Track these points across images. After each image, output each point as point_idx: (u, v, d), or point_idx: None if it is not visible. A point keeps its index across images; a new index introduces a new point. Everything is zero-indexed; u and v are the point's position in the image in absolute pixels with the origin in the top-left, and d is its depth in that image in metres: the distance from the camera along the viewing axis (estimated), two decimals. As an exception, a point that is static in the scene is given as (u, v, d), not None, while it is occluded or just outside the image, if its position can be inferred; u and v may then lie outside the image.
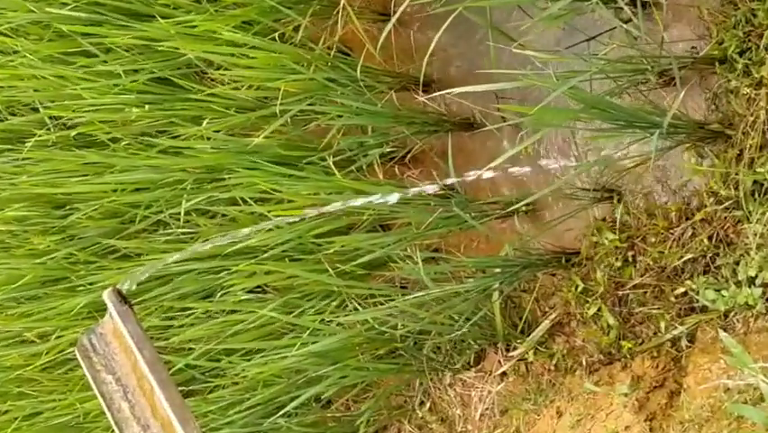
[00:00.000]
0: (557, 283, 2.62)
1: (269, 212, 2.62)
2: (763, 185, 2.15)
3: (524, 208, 2.67)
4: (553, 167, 2.60)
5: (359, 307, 2.67)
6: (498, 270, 2.53)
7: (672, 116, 1.96)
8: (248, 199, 2.71)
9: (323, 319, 2.63)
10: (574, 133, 2.49)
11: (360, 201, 2.30)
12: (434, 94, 2.69)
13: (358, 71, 2.59)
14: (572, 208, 2.51)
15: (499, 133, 2.63)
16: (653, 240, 2.38)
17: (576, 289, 2.53)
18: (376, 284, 2.77)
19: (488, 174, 2.26)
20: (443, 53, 2.79)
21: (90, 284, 3.03)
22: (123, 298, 1.82)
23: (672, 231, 2.34)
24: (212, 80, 2.94)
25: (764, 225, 2.13)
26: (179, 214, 2.83)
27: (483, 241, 2.80)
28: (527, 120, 2.03)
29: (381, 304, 2.62)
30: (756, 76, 2.10)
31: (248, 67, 2.67)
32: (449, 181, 2.36)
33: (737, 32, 2.14)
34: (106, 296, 1.80)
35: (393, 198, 2.27)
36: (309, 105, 2.68)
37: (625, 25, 2.15)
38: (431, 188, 2.37)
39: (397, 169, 2.90)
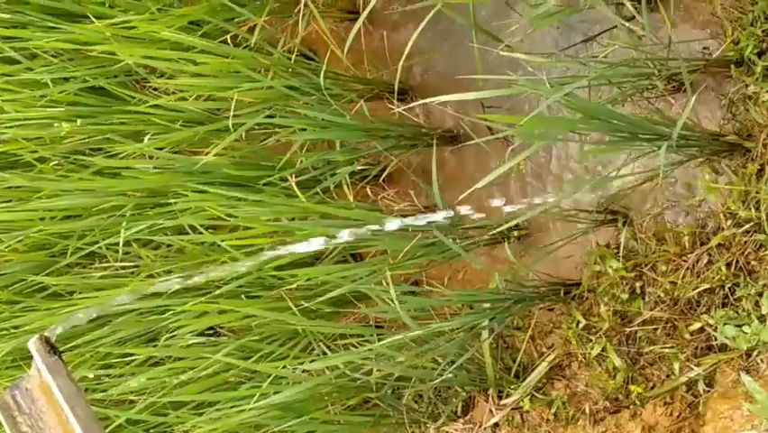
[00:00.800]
0: (555, 319, 2.62)
1: (222, 241, 2.59)
2: (788, 204, 2.15)
3: (515, 233, 2.68)
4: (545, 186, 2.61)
5: (327, 350, 2.64)
6: (487, 305, 2.51)
7: (682, 127, 1.93)
8: (198, 227, 2.67)
9: (286, 366, 2.57)
10: (571, 148, 2.49)
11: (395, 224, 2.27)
12: (412, 104, 2.70)
13: (322, 78, 2.58)
14: (571, 233, 2.50)
15: (488, 148, 2.63)
16: (663, 268, 2.37)
17: (577, 325, 2.53)
18: (347, 323, 2.75)
19: (497, 203, 2.26)
20: (420, 56, 2.80)
21: (15, 328, 2.97)
22: (51, 347, 1.76)
23: (685, 258, 2.34)
24: (154, 90, 2.92)
25: (791, 251, 2.13)
26: (117, 245, 2.79)
27: (470, 271, 2.80)
28: (517, 132, 2.00)
29: (353, 346, 2.59)
30: (778, 80, 2.09)
31: (196, 74, 2.65)
32: (454, 212, 2.33)
33: (755, 30, 2.13)
34: (32, 345, 1.74)
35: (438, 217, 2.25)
36: (267, 117, 2.66)
37: (627, 24, 2.14)
38: (439, 216, 2.35)
39: (369, 189, 2.89)
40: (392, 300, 2.41)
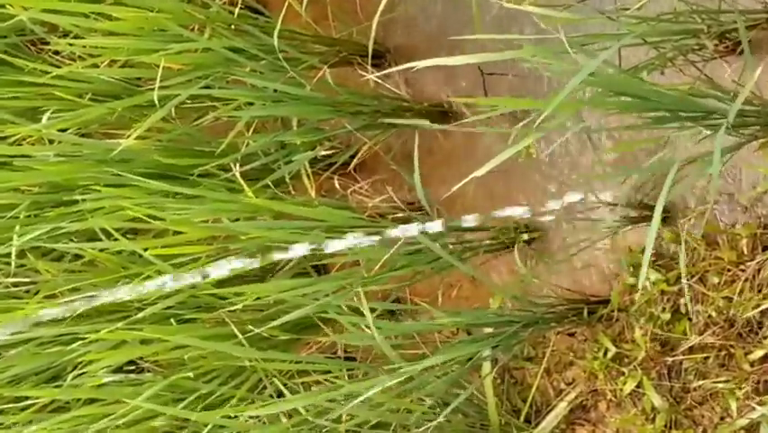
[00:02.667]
0: (577, 347, 2.62)
1: (144, 250, 2.57)
2: None
3: (525, 237, 2.68)
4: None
5: (283, 390, 2.60)
6: (489, 329, 2.50)
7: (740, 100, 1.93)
8: (113, 232, 2.65)
9: (229, 412, 2.55)
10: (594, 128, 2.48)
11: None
12: (390, 69, 2.69)
13: (276, 38, 2.57)
14: (596, 235, 2.50)
15: (487, 127, 2.62)
16: (715, 280, 2.37)
17: (605, 354, 2.53)
18: (308, 355, 2.76)
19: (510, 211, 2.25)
20: (401, 9, 2.81)
21: None
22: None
23: (743, 266, 2.34)
24: (55, 54, 2.93)
25: None
26: (9, 255, 2.78)
27: (467, 286, 2.80)
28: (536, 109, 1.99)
29: (317, 384, 2.57)
30: None
31: (110, 33, 2.64)
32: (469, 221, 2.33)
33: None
34: None
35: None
36: (203, 88, 2.65)
37: (667, -35, 2.15)
38: (435, 226, 2.35)
39: (336, 181, 2.90)
40: (367, 325, 2.40)
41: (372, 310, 2.42)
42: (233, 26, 2.68)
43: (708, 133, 1.96)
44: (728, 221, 2.40)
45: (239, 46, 2.63)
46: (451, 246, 2.55)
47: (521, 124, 2.31)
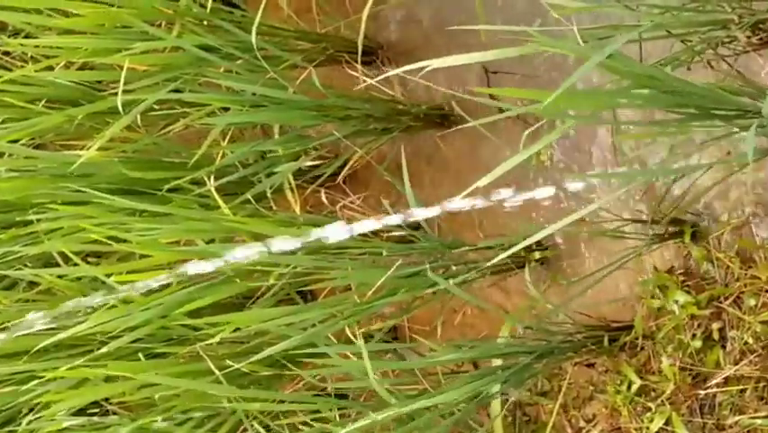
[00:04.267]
0: (597, 380, 2.62)
1: (108, 276, 2.54)
2: None
3: (537, 256, 2.68)
4: (580, 186, 2.60)
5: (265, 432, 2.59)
6: (498, 361, 2.48)
7: (772, 96, 1.93)
8: (72, 256, 2.62)
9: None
10: (616, 131, 2.48)
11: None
12: (384, 70, 2.70)
13: (254, 33, 2.56)
14: (617, 254, 2.49)
15: (493, 133, 2.62)
16: (752, 303, 2.37)
17: (629, 388, 2.53)
18: (293, 393, 2.74)
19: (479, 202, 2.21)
20: (393, 1, 2.82)
21: None
22: None
23: (783, 287, 2.33)
24: (5, 56, 2.93)
25: None
26: None
27: (472, 313, 2.80)
28: (540, 111, 1.97)
29: (304, 426, 2.56)
30: None
31: (67, 31, 2.62)
32: (415, 215, 2.30)
33: None
34: None
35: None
36: (173, 92, 2.65)
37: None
38: (394, 220, 2.32)
39: (324, 194, 2.89)
40: (361, 358, 2.38)
41: (366, 341, 2.40)
42: (205, 22, 2.67)
43: (741, 133, 1.95)
44: (766, 235, 2.40)
45: (212, 44, 2.62)
46: (454, 268, 2.54)
47: (532, 128, 2.31)
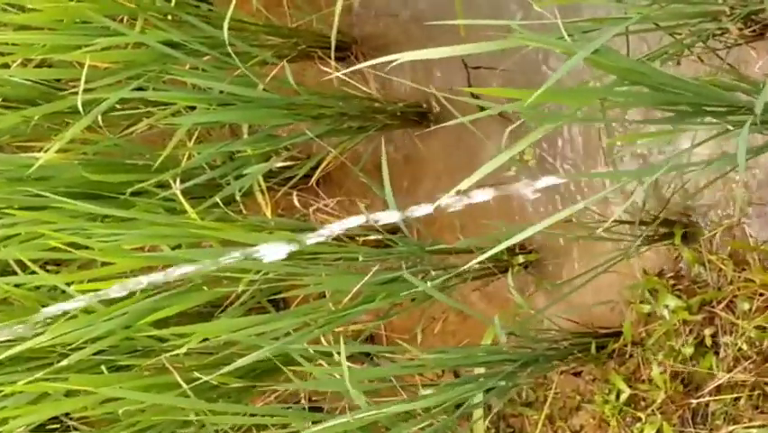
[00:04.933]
0: (584, 389, 2.63)
1: (68, 285, 2.53)
2: None
3: (521, 259, 2.68)
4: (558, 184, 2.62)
5: (237, 448, 2.60)
6: (480, 370, 2.48)
7: (768, 91, 1.93)
8: (29, 263, 2.61)
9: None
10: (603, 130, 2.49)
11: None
12: (359, 65, 2.69)
13: (225, 28, 2.55)
14: (605, 256, 2.49)
15: (475, 131, 2.61)
16: (746, 307, 2.37)
17: (618, 397, 2.53)
18: (266, 405, 2.75)
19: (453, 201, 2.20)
20: None
21: None
22: None
23: (778, 290, 2.34)
24: None
25: None
26: None
27: (453, 319, 2.81)
28: (521, 110, 1.97)
29: (278, 440, 2.55)
30: None
31: (23, 27, 2.62)
32: (387, 217, 2.29)
33: None
34: None
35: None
36: (136, 90, 2.64)
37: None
38: (354, 221, 2.31)
39: (296, 197, 2.88)
40: (338, 366, 2.37)
41: (342, 351, 2.39)
42: (169, 16, 2.66)
43: (735, 130, 1.95)
44: (760, 236, 2.40)
45: (177, 40, 2.61)
46: (433, 273, 2.53)
47: (513, 125, 2.31)
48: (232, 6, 2.56)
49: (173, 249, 2.53)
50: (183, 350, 2.52)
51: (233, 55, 2.59)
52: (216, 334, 2.53)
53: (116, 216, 2.58)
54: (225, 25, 2.54)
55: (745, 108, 1.94)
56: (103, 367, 2.62)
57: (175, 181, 2.64)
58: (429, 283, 2.41)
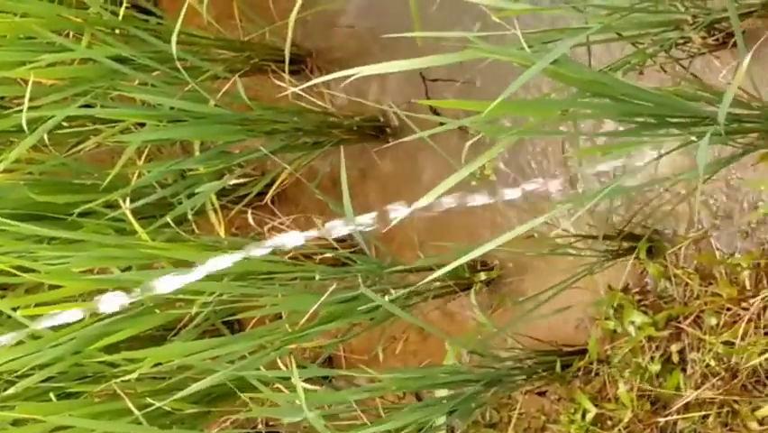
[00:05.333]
0: (550, 409, 2.62)
1: (14, 309, 2.50)
2: None
3: (483, 276, 2.68)
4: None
5: (192, 476, 2.58)
6: (443, 391, 2.48)
7: (733, 102, 1.93)
8: (-28, 288, 2.60)
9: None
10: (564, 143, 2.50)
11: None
12: (314, 80, 2.68)
13: (173, 42, 2.54)
14: (569, 272, 2.49)
15: (434, 145, 2.61)
16: (713, 322, 2.37)
17: (583, 417, 2.52)
18: (222, 431, 2.73)
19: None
20: (322, 5, 2.82)
21: None
22: None
23: (745, 304, 2.33)
24: None
25: None
26: None
27: (414, 339, 2.81)
28: (477, 123, 1.97)
29: (234, 467, 2.53)
30: None
31: None
32: (339, 229, 2.29)
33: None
34: None
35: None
36: (83, 107, 2.63)
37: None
38: (295, 238, 2.30)
39: (250, 216, 2.86)
40: (294, 391, 2.34)
41: (300, 373, 2.39)
42: (117, 30, 2.66)
43: (698, 141, 1.96)
44: (726, 249, 2.41)
45: (125, 54, 2.60)
46: (393, 291, 2.52)
47: (473, 139, 2.31)
48: (180, 19, 2.55)
49: (123, 271, 2.52)
50: (135, 375, 2.51)
51: (182, 70, 2.57)
52: (169, 358, 2.53)
53: (64, 237, 2.57)
54: (173, 39, 2.53)
55: (708, 119, 1.94)
56: (51, 394, 2.60)
57: (124, 201, 2.63)
58: (388, 298, 2.40)
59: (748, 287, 2.35)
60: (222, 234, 2.79)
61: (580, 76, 1.86)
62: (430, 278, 2.01)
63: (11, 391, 2.56)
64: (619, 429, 2.48)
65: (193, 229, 2.78)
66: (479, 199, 2.27)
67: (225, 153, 2.78)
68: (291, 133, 2.75)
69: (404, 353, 2.84)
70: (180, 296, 2.52)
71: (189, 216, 2.76)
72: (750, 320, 2.32)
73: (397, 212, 2.10)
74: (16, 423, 2.56)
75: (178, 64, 2.56)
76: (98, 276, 2.54)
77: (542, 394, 2.63)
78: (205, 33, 2.79)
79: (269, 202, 2.92)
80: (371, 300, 2.39)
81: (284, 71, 2.73)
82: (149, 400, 2.51)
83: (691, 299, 2.43)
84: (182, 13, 2.59)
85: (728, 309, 2.36)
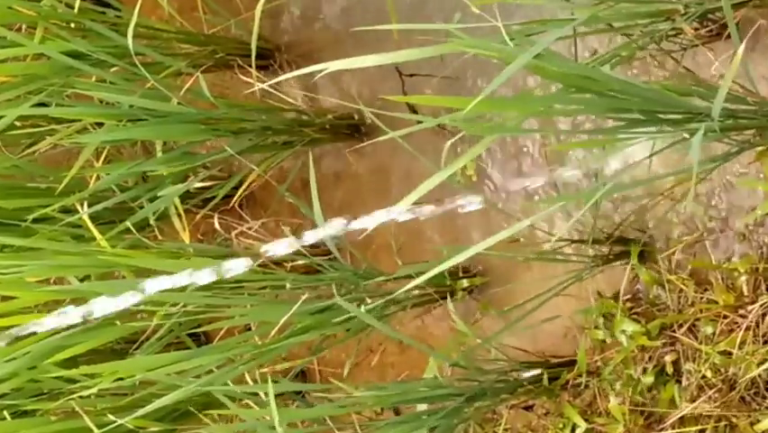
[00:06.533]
0: (536, 424, 2.63)
1: (-35, 322, 2.51)
2: None
3: (465, 284, 2.69)
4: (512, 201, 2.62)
5: (156, 499, 2.57)
6: (423, 406, 2.48)
7: (727, 97, 1.93)
8: None
9: None
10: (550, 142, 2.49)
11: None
12: (283, 76, 2.67)
13: (130, 36, 2.53)
14: (556, 279, 2.50)
15: (412, 145, 2.61)
16: (709, 330, 2.38)
17: (573, 431, 2.53)
18: (187, 451, 2.69)
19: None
20: None
21: None
22: None
23: (743, 311, 2.35)
24: None
25: None
26: None
27: (392, 350, 2.82)
28: (460, 121, 1.97)
29: (201, 489, 2.53)
30: None
31: None
32: (310, 238, 2.29)
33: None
34: None
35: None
36: (37, 106, 2.62)
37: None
38: (280, 248, 2.30)
39: (217, 221, 2.84)
40: (266, 406, 2.34)
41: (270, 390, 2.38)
42: (72, 24, 2.65)
43: (690, 139, 1.96)
44: (722, 254, 2.42)
45: (82, 50, 2.59)
46: (369, 300, 2.52)
47: (454, 138, 2.31)
48: (136, 10, 2.55)
49: (81, 280, 2.51)
50: (94, 391, 2.49)
51: (140, 66, 2.56)
52: (131, 372, 2.51)
53: (16, 245, 2.56)
54: (130, 32, 2.52)
55: (702, 115, 1.95)
56: (5, 413, 2.60)
57: (82, 206, 2.62)
58: (364, 308, 2.40)
59: (746, 293, 2.36)
60: (186, 240, 2.78)
61: (565, 70, 1.87)
62: (409, 286, 2.01)
63: (-47, 411, 2.54)
64: (611, 446, 2.49)
65: (155, 235, 2.78)
66: (461, 203, 2.28)
67: (189, 154, 2.77)
68: (259, 133, 2.74)
69: (381, 365, 2.84)
70: (142, 307, 2.51)
71: (151, 222, 2.76)
72: (748, 328, 2.33)
73: (372, 220, 2.10)
74: (-33, 444, 2.57)
75: (136, 59, 2.55)
76: (55, 287, 2.52)
77: (528, 409, 2.64)
78: (166, 26, 2.79)
79: (236, 206, 2.92)
80: (346, 310, 2.39)
81: (251, 66, 2.71)
82: (109, 417, 2.50)
83: (686, 306, 2.44)
84: (138, 4, 2.58)
85: (725, 317, 2.37)
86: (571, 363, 2.55)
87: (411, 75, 2.71)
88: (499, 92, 2.29)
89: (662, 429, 2.45)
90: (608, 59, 2.18)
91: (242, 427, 2.51)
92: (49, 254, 2.52)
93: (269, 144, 2.78)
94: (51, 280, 2.58)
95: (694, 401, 2.39)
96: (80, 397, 2.53)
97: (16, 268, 2.49)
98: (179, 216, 2.79)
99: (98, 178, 2.73)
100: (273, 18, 2.88)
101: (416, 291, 2.62)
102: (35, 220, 2.67)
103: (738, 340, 2.34)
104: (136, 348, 2.70)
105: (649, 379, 2.45)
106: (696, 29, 2.26)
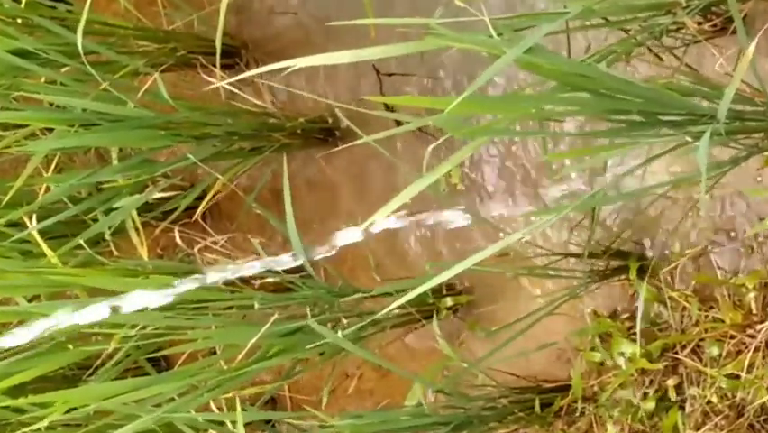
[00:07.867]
0: (528, 455, 2.61)
1: None
2: None
3: (450, 302, 2.69)
4: (501, 212, 2.62)
5: None
6: (404, 436, 2.48)
7: (734, 96, 1.94)
8: None
9: None
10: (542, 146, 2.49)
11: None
12: (249, 72, 2.68)
13: (79, 33, 2.52)
14: (549, 297, 2.50)
15: (390, 150, 2.61)
16: (715, 352, 2.39)
17: (568, 463, 2.53)
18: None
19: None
20: None
21: None
22: None
23: (751, 330, 2.35)
24: None
25: None
26: None
27: (370, 376, 2.82)
28: (439, 123, 1.97)
29: None
30: None
31: None
32: (288, 261, 2.29)
33: None
34: None
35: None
36: (-21, 110, 2.61)
37: None
38: (254, 266, 2.30)
39: (178, 234, 2.86)
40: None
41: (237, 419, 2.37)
42: (19, 20, 2.65)
43: (695, 143, 1.96)
44: (728, 268, 2.43)
45: (30, 48, 2.60)
46: (345, 321, 2.52)
47: (437, 142, 2.31)
48: (88, 5, 2.53)
49: (30, 301, 2.51)
50: (45, 423, 2.49)
51: (92, 66, 2.56)
52: (85, 402, 2.50)
53: (-41, 263, 2.56)
54: (80, 29, 2.51)
55: (707, 117, 1.95)
56: (-53, 449, 2.58)
57: (30, 219, 2.62)
58: (340, 333, 2.39)
59: (754, 311, 2.37)
60: (145, 256, 2.78)
61: (558, 67, 1.86)
62: (391, 307, 2.00)
63: None
64: (609, 477, 2.50)
65: (111, 251, 2.78)
66: (444, 215, 2.28)
67: (148, 162, 2.77)
68: (225, 138, 2.75)
69: (359, 392, 2.84)
70: (96, 330, 2.50)
71: (107, 236, 2.77)
72: (757, 349, 2.34)
73: (346, 236, 2.10)
74: None
75: (85, 59, 2.54)
76: (0, 307, 2.52)
77: (519, 438, 2.63)
78: (122, 22, 2.78)
79: (199, 218, 2.91)
80: (319, 334, 2.39)
81: (215, 65, 2.71)
82: (62, 449, 2.51)
83: (690, 325, 2.44)
84: (87, 2, 2.56)
85: (732, 337, 2.38)
86: (566, 388, 2.56)
87: (390, 74, 2.70)
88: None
89: (665, 459, 2.45)
90: (605, 55, 2.18)
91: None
92: (-6, 273, 2.54)
93: (236, 151, 2.78)
94: (-4, 301, 2.57)
95: (699, 429, 2.40)
96: (30, 429, 2.52)
97: (-43, 288, 2.50)
98: (137, 229, 2.79)
99: (48, 189, 2.73)
100: (239, 13, 2.88)
101: (397, 311, 2.61)
102: (-21, 235, 2.65)
103: (747, 362, 2.34)
104: (90, 374, 2.71)
105: (650, 405, 2.46)
106: (699, 23, 2.27)
